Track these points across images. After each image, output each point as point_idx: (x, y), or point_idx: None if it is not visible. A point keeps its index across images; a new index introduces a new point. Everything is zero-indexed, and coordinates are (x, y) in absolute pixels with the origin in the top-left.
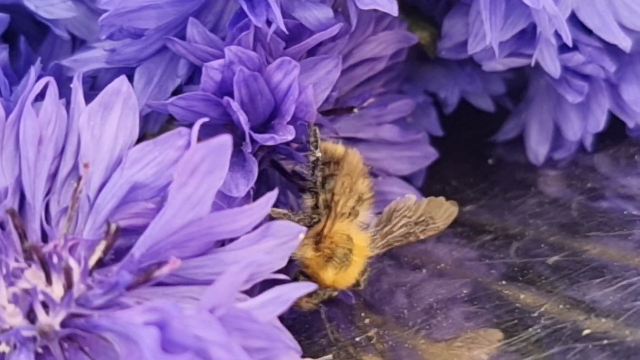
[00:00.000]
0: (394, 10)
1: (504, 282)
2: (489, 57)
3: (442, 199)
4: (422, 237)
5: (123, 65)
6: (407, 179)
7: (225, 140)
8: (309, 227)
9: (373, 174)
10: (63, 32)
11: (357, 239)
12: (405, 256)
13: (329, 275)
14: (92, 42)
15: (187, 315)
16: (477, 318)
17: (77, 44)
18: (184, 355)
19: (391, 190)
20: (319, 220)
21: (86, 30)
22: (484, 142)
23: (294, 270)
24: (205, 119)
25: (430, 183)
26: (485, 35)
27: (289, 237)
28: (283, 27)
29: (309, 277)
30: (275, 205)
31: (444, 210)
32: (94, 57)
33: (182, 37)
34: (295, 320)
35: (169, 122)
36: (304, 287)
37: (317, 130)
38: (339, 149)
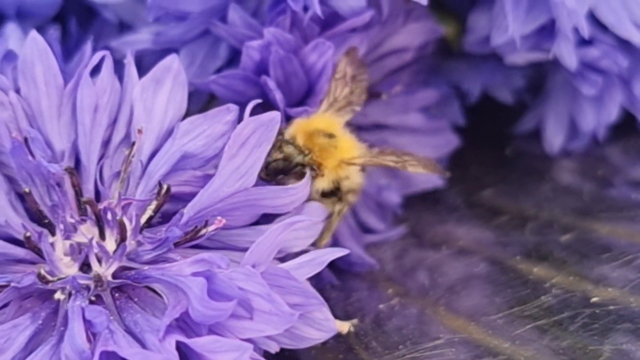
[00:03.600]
0: (423, 0)
1: (518, 258)
2: (511, 50)
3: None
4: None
5: (168, 46)
6: None
7: (274, 116)
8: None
9: None
10: (111, 15)
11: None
12: (426, 235)
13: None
14: (137, 26)
15: (231, 269)
16: (493, 289)
17: (123, 27)
18: (229, 304)
19: (415, 175)
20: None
21: (132, 14)
22: (502, 133)
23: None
24: (259, 101)
25: (451, 169)
26: (508, 28)
27: (321, 218)
28: (319, 12)
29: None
30: None
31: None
32: (141, 39)
33: (224, 21)
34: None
35: (209, 102)
36: (337, 252)
37: None
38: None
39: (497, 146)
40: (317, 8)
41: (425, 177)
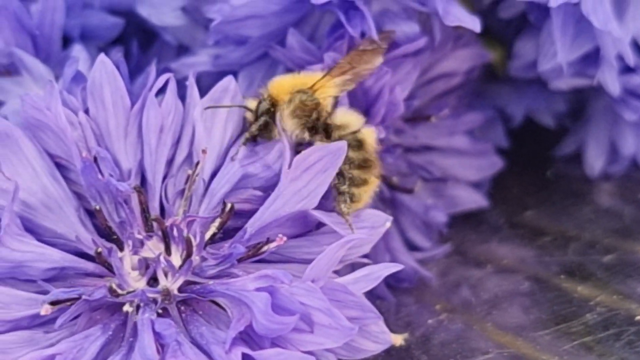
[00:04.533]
0: (476, 27)
1: (562, 277)
2: (556, 76)
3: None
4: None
5: (227, 69)
6: (474, 185)
7: (341, 145)
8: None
9: (443, 179)
10: (171, 38)
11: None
12: (470, 253)
13: None
14: (196, 48)
15: (293, 284)
16: (538, 306)
17: (181, 50)
18: (292, 318)
19: (459, 195)
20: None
21: (191, 37)
22: (544, 155)
23: None
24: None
25: (494, 190)
26: (555, 54)
27: (379, 224)
28: (376, 38)
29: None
30: None
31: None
32: (200, 62)
33: (282, 45)
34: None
35: None
36: (392, 267)
37: None
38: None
39: (538, 168)
40: (374, 34)
41: (470, 197)
